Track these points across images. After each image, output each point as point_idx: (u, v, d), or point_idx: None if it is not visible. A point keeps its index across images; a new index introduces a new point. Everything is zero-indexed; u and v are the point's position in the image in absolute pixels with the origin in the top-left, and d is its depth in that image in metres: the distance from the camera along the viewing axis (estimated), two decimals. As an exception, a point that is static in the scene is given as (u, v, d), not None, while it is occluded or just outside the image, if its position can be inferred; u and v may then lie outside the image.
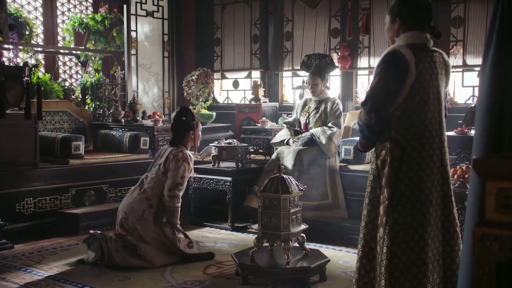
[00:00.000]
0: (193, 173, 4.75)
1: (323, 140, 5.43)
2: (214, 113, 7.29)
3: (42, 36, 8.46)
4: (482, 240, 1.50)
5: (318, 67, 5.71)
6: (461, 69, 5.96)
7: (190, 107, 7.29)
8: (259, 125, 6.50)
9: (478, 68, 5.70)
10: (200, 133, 4.78)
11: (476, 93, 5.64)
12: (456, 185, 4.05)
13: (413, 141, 2.73)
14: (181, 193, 4.46)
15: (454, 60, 5.88)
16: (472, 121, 4.86)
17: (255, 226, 3.96)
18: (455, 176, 4.15)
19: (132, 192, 4.57)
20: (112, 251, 4.21)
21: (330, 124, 5.53)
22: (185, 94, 7.38)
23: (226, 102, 7.96)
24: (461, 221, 2.83)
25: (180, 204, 4.46)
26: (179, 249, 4.39)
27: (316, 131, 5.54)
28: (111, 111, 7.13)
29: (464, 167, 4.40)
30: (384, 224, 2.72)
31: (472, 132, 4.77)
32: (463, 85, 6.01)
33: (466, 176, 4.25)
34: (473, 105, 5.39)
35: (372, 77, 6.85)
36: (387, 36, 2.98)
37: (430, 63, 2.78)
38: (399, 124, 2.74)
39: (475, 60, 5.88)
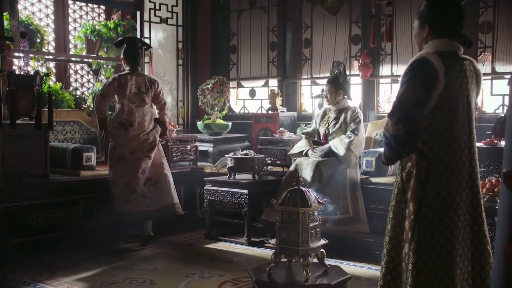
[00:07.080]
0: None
1: (341, 150, 5.37)
2: (230, 123, 7.24)
3: (53, 43, 8.39)
4: (514, 258, 1.41)
5: (334, 76, 5.71)
6: (490, 77, 5.80)
7: (205, 116, 7.20)
8: (277, 135, 6.45)
9: (508, 76, 5.57)
10: None
11: (506, 102, 5.57)
12: (485, 199, 4.01)
13: (440, 153, 2.64)
14: None
15: (483, 68, 5.74)
16: (502, 131, 4.79)
17: (273, 241, 3.89)
18: (484, 190, 4.11)
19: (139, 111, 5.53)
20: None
21: (348, 133, 5.44)
22: (200, 103, 7.31)
23: (242, 111, 7.90)
24: (491, 237, 2.75)
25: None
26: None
27: (334, 142, 5.49)
28: (123, 120, 7.00)
29: (493, 181, 4.37)
30: (409, 240, 2.63)
31: (502, 143, 4.70)
32: (492, 94, 5.88)
33: (495, 189, 4.23)
34: (502, 115, 5.31)
35: (396, 86, 6.72)
36: (415, 42, 2.91)
37: (460, 72, 2.69)
38: (426, 135, 2.65)
39: (505, 67, 5.73)
